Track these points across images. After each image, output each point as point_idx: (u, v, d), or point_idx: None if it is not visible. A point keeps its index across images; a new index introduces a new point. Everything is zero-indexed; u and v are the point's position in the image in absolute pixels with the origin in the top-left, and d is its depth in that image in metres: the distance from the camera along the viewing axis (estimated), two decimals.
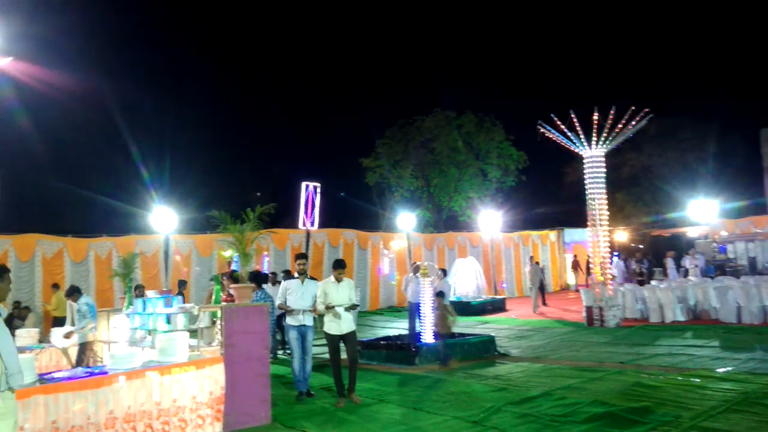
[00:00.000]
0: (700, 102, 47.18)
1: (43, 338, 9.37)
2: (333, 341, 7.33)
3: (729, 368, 8.05)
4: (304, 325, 7.70)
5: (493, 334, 11.52)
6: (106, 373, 5.37)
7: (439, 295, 10.35)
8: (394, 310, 19.70)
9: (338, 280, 7.31)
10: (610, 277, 14.09)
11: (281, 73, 53.01)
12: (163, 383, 5.59)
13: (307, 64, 53.98)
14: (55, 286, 13.48)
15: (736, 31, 50.64)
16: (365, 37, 56.03)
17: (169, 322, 6.49)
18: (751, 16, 49.53)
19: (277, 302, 7.96)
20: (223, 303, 6.80)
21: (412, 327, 12.40)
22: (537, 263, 21.28)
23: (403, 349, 9.84)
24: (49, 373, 5.74)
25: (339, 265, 7.42)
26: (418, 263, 12.91)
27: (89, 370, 5.70)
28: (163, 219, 16.37)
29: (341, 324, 7.25)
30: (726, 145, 31.88)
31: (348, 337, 7.32)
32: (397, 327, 15.17)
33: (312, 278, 8.05)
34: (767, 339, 10.39)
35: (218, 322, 6.44)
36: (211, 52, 48.93)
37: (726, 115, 37.66)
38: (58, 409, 4.92)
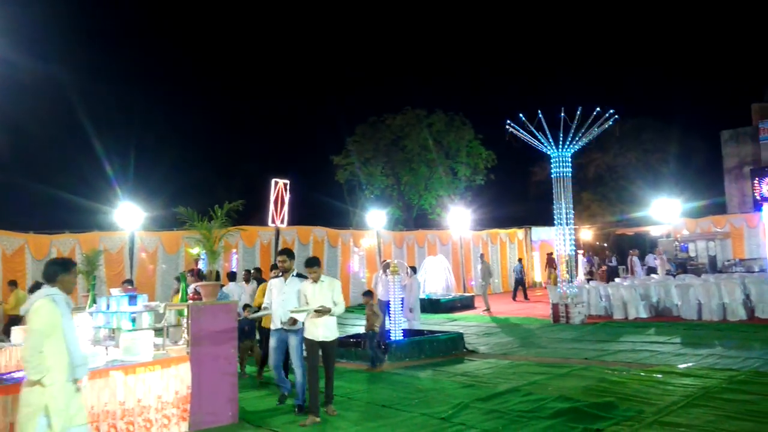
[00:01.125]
0: (662, 104, 48.38)
1: (1, 337, 9.10)
2: (309, 347, 6.53)
3: (690, 364, 8.27)
4: (281, 329, 6.88)
5: (461, 331, 11.61)
6: None
7: (366, 294, 10.23)
8: (364, 308, 19.64)
9: (314, 280, 6.52)
10: (581, 275, 14.35)
11: (251, 70, 52.51)
12: (128, 383, 5.49)
13: (278, 61, 53.56)
14: (12, 284, 12.92)
15: (698, 36, 52.00)
16: (336, 35, 55.88)
17: (133, 320, 6.37)
18: (712, 22, 50.90)
19: (264, 305, 7.31)
20: (190, 301, 6.70)
21: (381, 324, 12.40)
22: (519, 263, 21.84)
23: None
24: (8, 373, 5.58)
25: (309, 264, 6.58)
26: (388, 261, 12.93)
27: None
28: (128, 215, 16.03)
29: (316, 329, 6.44)
30: (687, 146, 32.80)
31: (325, 346, 6.49)
32: None
33: (300, 276, 7.07)
34: (726, 335, 10.72)
35: (184, 320, 6.34)
36: (179, 47, 48.25)
37: (687, 118, 38.75)
38: (16, 411, 4.77)
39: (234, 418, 6.32)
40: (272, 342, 7.01)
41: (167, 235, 17.07)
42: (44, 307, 4.00)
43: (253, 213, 22.56)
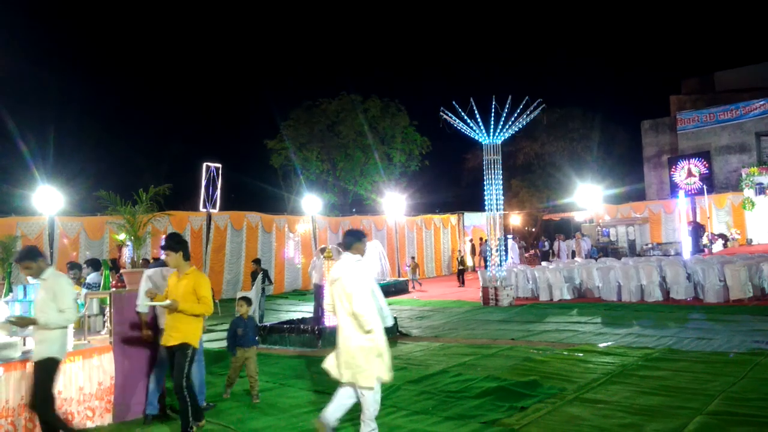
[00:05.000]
0: (588, 95, 50.35)
1: None
2: None
3: (609, 343, 8.70)
4: None
5: (395, 315, 11.74)
6: None
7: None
8: (298, 294, 19.58)
9: (32, 277, 5.23)
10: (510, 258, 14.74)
11: (180, 48, 50.72)
12: None
13: (208, 40, 51.96)
14: None
15: (623, 30, 54.22)
16: (271, 17, 54.71)
17: None
18: (634, 18, 53.20)
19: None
20: (113, 289, 6.46)
21: (317, 309, 12.39)
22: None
23: (306, 331, 9.82)
24: None
25: (18, 258, 5.14)
26: (324, 246, 12.86)
27: None
28: (47, 199, 15.23)
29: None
30: (610, 135, 34.30)
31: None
32: (302, 310, 15.12)
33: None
34: (644, 315, 11.32)
35: (107, 308, 6.11)
36: (104, 23, 45.94)
37: (611, 108, 40.51)
38: None
39: (160, 408, 6.16)
40: None
41: (90, 221, 16.34)
42: (358, 269, 4.83)
43: (184, 198, 21.94)
